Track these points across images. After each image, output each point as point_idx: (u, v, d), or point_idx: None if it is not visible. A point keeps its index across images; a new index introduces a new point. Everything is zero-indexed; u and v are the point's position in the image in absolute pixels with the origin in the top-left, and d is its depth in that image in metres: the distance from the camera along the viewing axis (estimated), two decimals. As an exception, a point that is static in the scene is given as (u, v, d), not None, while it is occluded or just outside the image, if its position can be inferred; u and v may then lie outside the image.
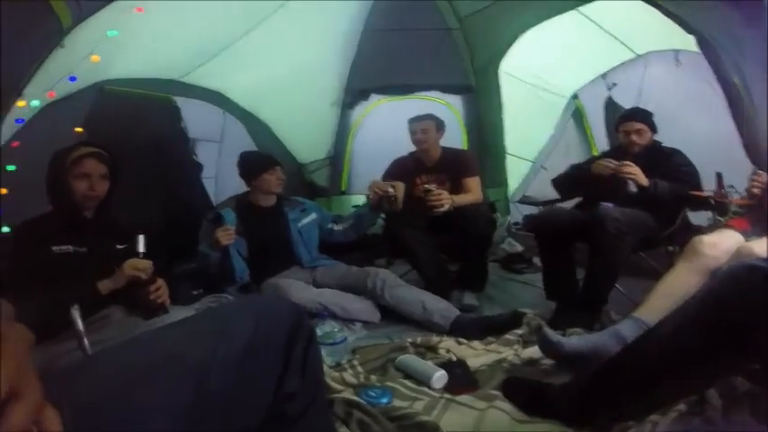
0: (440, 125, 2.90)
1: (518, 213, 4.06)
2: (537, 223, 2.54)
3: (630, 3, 2.62)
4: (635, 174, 2.19)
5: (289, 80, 3.63)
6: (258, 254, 2.54)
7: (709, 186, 2.19)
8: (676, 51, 3.31)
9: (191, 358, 0.73)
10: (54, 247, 1.58)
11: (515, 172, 4.25)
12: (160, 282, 1.60)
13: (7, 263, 1.56)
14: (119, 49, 2.39)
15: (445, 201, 2.53)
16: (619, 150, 2.55)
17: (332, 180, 4.34)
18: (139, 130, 2.82)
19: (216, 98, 3.59)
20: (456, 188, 2.77)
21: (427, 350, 1.92)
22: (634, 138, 2.43)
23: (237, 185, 2.77)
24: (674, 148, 2.44)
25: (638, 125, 2.43)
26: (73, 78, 2.32)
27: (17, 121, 2.11)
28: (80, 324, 1.31)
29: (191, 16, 2.59)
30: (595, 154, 3.73)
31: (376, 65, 4.00)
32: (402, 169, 2.90)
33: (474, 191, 2.80)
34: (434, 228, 2.65)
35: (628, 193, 2.18)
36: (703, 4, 2.35)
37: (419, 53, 4.03)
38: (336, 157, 4.31)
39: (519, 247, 3.51)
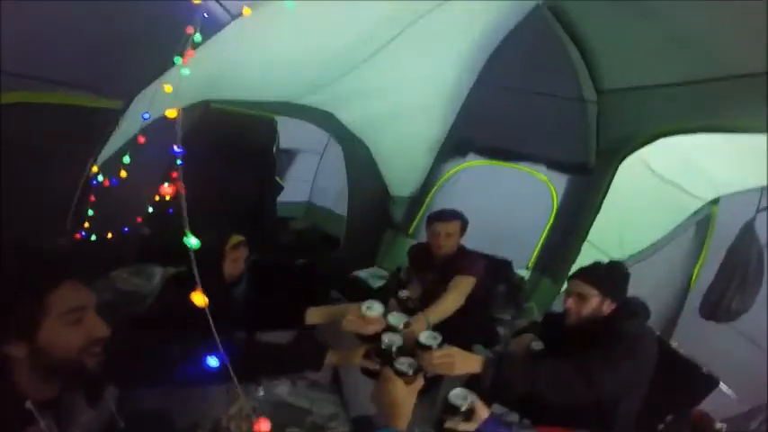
0: (465, 226, 2.80)
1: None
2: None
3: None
4: None
5: (395, 114, 3.67)
6: None
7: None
8: None
9: None
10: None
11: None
12: None
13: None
14: (238, 69, 2.42)
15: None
16: None
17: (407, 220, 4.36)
18: (233, 147, 3.14)
19: (325, 120, 3.75)
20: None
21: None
22: None
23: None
24: None
25: None
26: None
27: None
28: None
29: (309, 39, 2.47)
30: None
31: (484, 122, 3.82)
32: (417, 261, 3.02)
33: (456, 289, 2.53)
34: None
35: None
36: None
37: (536, 120, 3.70)
38: (416, 202, 4.30)
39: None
